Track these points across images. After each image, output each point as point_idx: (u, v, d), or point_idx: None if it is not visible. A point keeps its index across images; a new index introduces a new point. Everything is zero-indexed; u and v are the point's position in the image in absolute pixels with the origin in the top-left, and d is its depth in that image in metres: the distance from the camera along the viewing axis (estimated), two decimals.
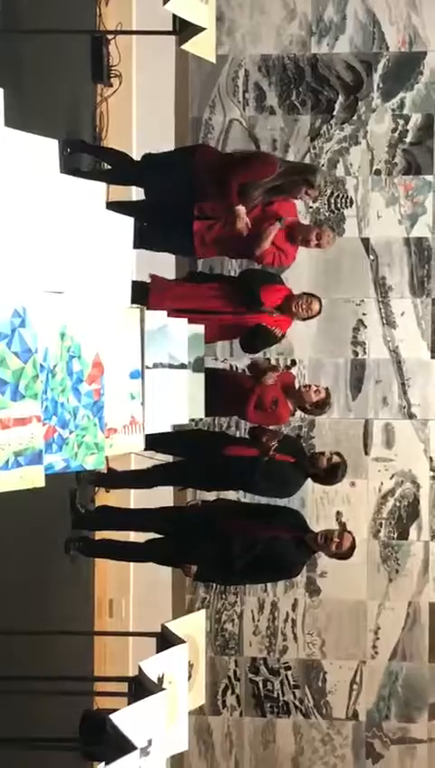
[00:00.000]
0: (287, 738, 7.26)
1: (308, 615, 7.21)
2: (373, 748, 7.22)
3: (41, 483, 2.99)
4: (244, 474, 5.94)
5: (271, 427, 6.15)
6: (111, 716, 4.00)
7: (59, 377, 3.34)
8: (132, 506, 6.67)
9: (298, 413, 6.96)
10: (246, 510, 6.21)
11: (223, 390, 5.96)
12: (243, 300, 6.06)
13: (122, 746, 3.93)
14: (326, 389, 6.10)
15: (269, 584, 7.15)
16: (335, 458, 5.95)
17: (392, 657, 7.17)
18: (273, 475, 5.95)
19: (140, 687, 4.52)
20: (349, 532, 5.80)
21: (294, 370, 7.03)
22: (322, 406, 6.07)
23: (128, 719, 4.10)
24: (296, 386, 6.24)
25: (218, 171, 5.90)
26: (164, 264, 6.58)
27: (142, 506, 6.45)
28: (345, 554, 5.76)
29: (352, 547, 5.74)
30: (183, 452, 6.18)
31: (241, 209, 5.84)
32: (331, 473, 5.97)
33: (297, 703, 7.25)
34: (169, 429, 4.70)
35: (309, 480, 6.17)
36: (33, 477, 2.98)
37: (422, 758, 7.16)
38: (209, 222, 6.03)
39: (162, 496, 6.48)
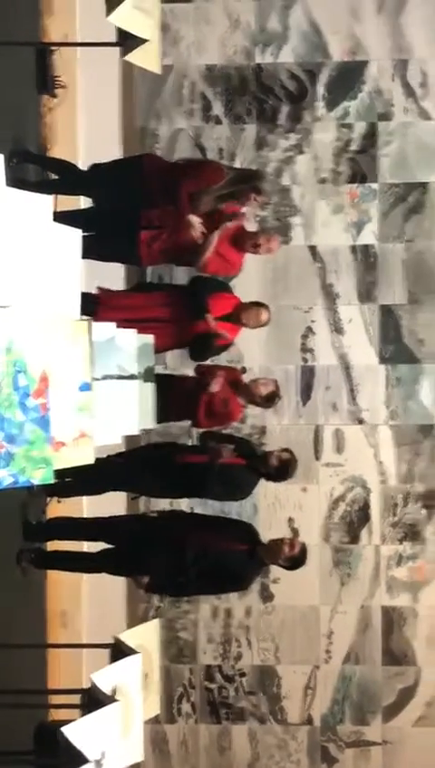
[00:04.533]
0: (243, 744, 7.28)
1: (262, 621, 7.24)
2: (328, 752, 7.26)
3: None
4: (197, 480, 5.94)
5: (224, 431, 6.18)
6: (64, 729, 4.00)
7: (5, 392, 3.35)
8: (84, 517, 6.65)
9: (249, 420, 7.03)
10: (200, 521, 6.23)
11: (174, 396, 5.99)
12: (191, 309, 6.08)
13: (75, 759, 3.94)
14: (274, 381, 6.13)
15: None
16: (285, 455, 5.98)
17: (346, 661, 7.22)
18: (226, 479, 5.96)
19: (93, 699, 4.52)
20: (299, 541, 5.84)
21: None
22: (271, 398, 6.11)
23: (81, 731, 4.10)
24: (244, 381, 6.25)
25: (167, 180, 5.93)
26: (113, 274, 6.59)
27: (94, 517, 6.43)
28: (296, 561, 5.78)
29: (304, 554, 5.77)
30: (136, 465, 6.16)
31: (194, 218, 5.86)
32: (282, 470, 6.00)
33: (252, 709, 7.27)
34: (119, 441, 4.71)
35: (260, 486, 6.20)
36: None
37: (377, 761, 7.21)
38: (156, 231, 6.04)
39: (115, 507, 6.48)
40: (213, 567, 5.71)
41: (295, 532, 7.04)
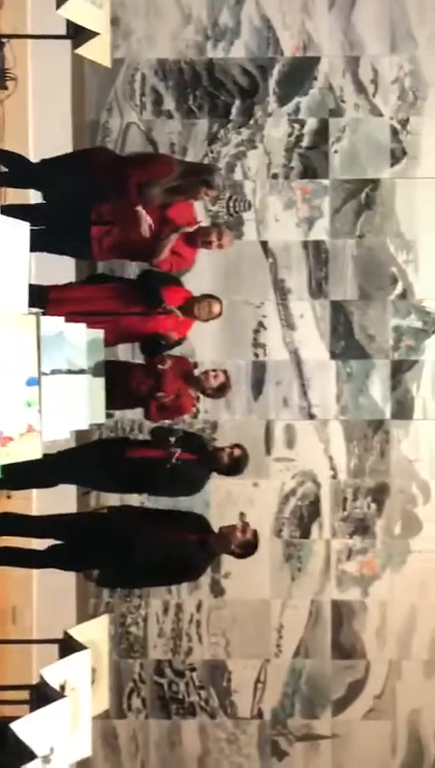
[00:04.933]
0: (193, 739, 7.30)
1: (213, 616, 7.26)
2: (278, 746, 7.29)
3: None
4: (149, 476, 5.93)
5: (175, 426, 6.18)
6: (12, 725, 3.98)
7: None
8: (34, 513, 6.62)
9: (200, 415, 7.05)
10: (150, 514, 6.22)
11: (126, 383, 5.99)
12: (143, 300, 6.08)
13: (23, 755, 3.92)
14: (224, 372, 6.15)
15: (174, 586, 7.17)
16: (237, 451, 6.01)
17: (296, 655, 7.25)
18: (178, 474, 5.95)
19: (42, 695, 4.50)
20: (251, 527, 5.86)
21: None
22: (222, 389, 6.15)
23: (29, 727, 4.08)
24: (196, 373, 6.26)
25: (117, 172, 5.91)
26: (64, 266, 6.55)
27: (44, 513, 6.39)
28: (248, 546, 5.80)
29: (256, 539, 5.80)
30: (87, 460, 6.13)
31: (142, 212, 5.85)
32: (234, 466, 6.02)
33: (203, 703, 7.29)
34: (67, 436, 4.69)
35: (212, 481, 6.21)
36: None
37: (326, 754, 7.26)
38: (107, 227, 6.02)
39: (65, 503, 6.45)
40: (164, 558, 5.71)
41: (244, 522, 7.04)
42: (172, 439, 5.94)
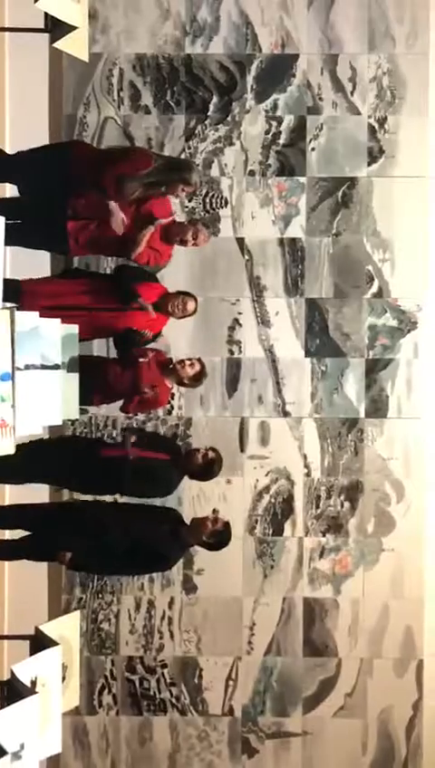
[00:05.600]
0: (164, 736, 7.29)
1: (185, 612, 7.25)
2: (249, 743, 7.30)
3: None
4: (115, 474, 5.92)
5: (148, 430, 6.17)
6: None
7: None
8: (4, 505, 6.59)
9: (175, 412, 7.04)
10: (123, 506, 6.21)
11: (101, 378, 5.98)
12: (117, 295, 6.06)
13: None
14: (199, 360, 6.19)
15: (146, 582, 7.16)
16: (211, 454, 6.02)
17: (267, 653, 7.26)
18: (147, 474, 5.96)
19: (12, 691, 4.49)
20: (222, 518, 5.88)
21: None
22: (199, 378, 6.18)
23: None
24: (171, 364, 6.26)
25: (94, 166, 5.88)
26: (39, 260, 6.53)
27: (14, 504, 6.36)
28: (220, 536, 5.82)
29: (228, 530, 5.82)
30: (58, 459, 6.10)
31: (114, 206, 5.82)
32: (207, 469, 6.04)
33: (174, 700, 7.28)
34: (40, 432, 4.68)
35: (185, 478, 6.20)
36: None
37: (296, 751, 7.27)
38: (84, 222, 6.00)
39: (37, 497, 6.43)
40: (137, 545, 5.72)
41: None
42: (133, 438, 5.97)
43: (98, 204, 5.93)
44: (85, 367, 5.58)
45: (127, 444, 5.93)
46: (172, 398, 6.99)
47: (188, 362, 6.16)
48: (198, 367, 6.15)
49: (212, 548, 5.93)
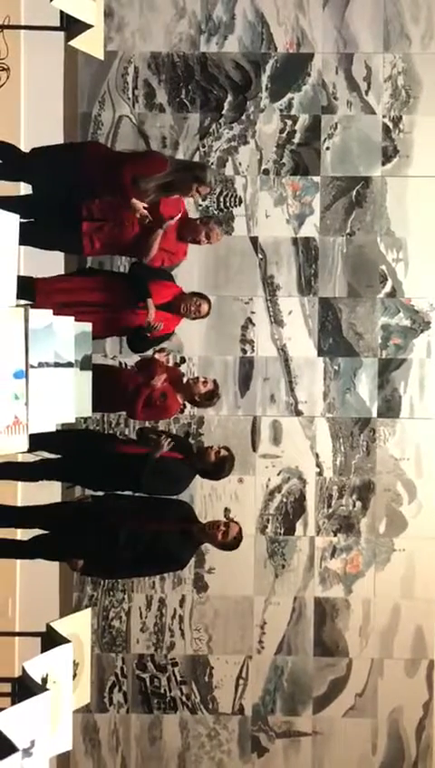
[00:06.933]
0: (174, 734, 7.31)
1: (195, 611, 7.26)
2: (259, 742, 7.31)
3: None
4: (132, 472, 5.92)
5: (160, 428, 6.16)
6: None
7: None
8: (19, 503, 6.61)
9: (187, 410, 7.04)
10: (136, 504, 6.20)
11: (110, 387, 5.96)
12: (131, 294, 6.06)
13: (4, 748, 3.91)
14: (214, 381, 6.17)
15: (157, 581, 7.18)
16: (223, 452, 6.02)
17: (278, 652, 7.26)
18: (161, 472, 5.95)
19: (24, 688, 4.50)
20: (235, 523, 5.86)
21: (183, 368, 7.06)
22: (210, 397, 6.15)
23: (10, 720, 4.08)
24: (184, 379, 6.27)
25: (110, 168, 5.88)
26: (53, 258, 6.53)
27: (29, 503, 6.38)
28: (232, 544, 5.81)
29: (239, 537, 5.81)
30: (69, 451, 6.12)
31: (137, 202, 5.82)
32: (219, 467, 6.03)
33: (184, 698, 7.29)
34: (53, 429, 4.67)
35: (197, 477, 6.20)
36: None
37: (306, 751, 7.28)
38: (98, 223, 6.00)
39: (50, 493, 6.44)
40: (147, 548, 5.71)
41: (229, 517, 7.05)
42: (160, 436, 5.96)
43: (114, 206, 5.93)
44: (96, 373, 5.56)
45: (161, 446, 5.90)
46: (184, 408, 6.98)
47: (201, 380, 6.15)
48: (210, 386, 6.13)
49: (224, 549, 5.92)
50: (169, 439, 5.97)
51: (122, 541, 5.71)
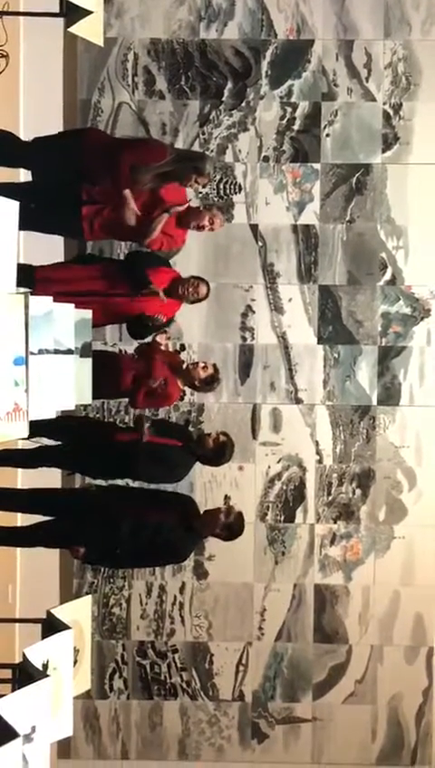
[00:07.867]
0: (174, 720, 7.33)
1: (196, 598, 7.27)
2: (259, 728, 7.33)
3: None
4: (126, 458, 5.92)
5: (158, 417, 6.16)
6: None
7: None
8: (19, 488, 6.60)
9: (187, 398, 7.05)
10: (138, 494, 6.21)
11: (110, 374, 5.96)
12: (129, 281, 6.06)
13: (5, 734, 3.92)
14: (214, 365, 6.16)
15: (157, 568, 7.19)
16: (222, 438, 6.01)
17: (278, 639, 7.28)
18: (158, 459, 5.95)
19: (25, 674, 4.51)
20: (235, 509, 5.87)
21: (183, 355, 7.05)
22: (210, 382, 6.14)
23: (11, 706, 4.08)
24: (184, 365, 6.26)
25: (109, 154, 5.87)
26: (53, 246, 6.53)
27: (30, 488, 6.38)
28: (233, 529, 5.81)
29: (240, 522, 5.81)
30: (69, 439, 6.12)
31: (128, 196, 5.82)
32: (218, 452, 6.02)
33: (184, 685, 7.31)
34: (53, 416, 4.68)
35: (197, 464, 6.20)
36: None
37: (306, 737, 7.30)
38: (98, 206, 6.00)
39: (50, 480, 6.44)
40: (148, 539, 5.72)
41: (229, 504, 7.06)
42: (148, 423, 5.97)
43: (113, 192, 5.92)
44: (96, 360, 5.56)
45: (141, 429, 5.92)
46: (184, 395, 6.98)
47: (201, 365, 6.14)
48: (210, 370, 6.11)
49: (225, 539, 5.92)
50: (149, 423, 5.95)
51: (125, 532, 5.71)
